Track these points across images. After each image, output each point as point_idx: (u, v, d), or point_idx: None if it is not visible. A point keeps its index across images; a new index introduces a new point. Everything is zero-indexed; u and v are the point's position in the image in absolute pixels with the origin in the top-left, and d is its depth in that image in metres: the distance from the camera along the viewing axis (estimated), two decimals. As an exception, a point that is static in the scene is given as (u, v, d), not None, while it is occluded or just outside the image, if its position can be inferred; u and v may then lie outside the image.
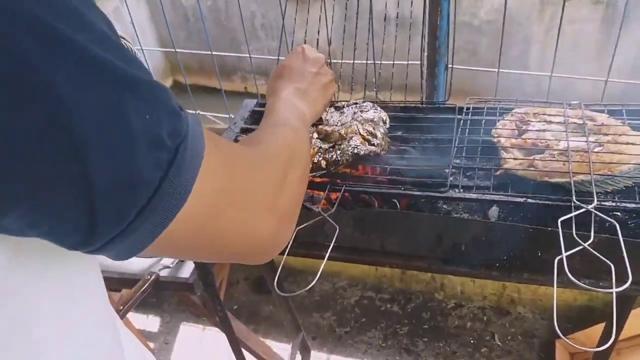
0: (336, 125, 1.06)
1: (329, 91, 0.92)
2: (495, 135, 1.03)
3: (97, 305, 0.54)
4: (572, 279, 0.70)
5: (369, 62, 1.28)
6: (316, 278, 0.82)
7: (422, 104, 1.24)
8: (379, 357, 2.06)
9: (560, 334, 0.69)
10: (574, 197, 0.83)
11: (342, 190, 0.99)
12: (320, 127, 1.06)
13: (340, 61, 1.33)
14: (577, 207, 0.82)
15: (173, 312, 2.33)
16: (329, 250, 0.88)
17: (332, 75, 0.92)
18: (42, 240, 0.37)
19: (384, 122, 1.09)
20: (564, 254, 0.74)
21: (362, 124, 1.04)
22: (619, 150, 0.91)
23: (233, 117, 1.30)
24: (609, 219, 0.79)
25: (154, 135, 0.37)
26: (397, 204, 1.05)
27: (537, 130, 1.02)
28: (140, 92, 0.37)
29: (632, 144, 0.92)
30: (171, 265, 1.39)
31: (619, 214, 0.89)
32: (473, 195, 0.93)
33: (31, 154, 0.32)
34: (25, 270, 0.41)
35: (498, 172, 0.97)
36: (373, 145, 1.01)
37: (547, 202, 0.87)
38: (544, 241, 0.89)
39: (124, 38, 1.28)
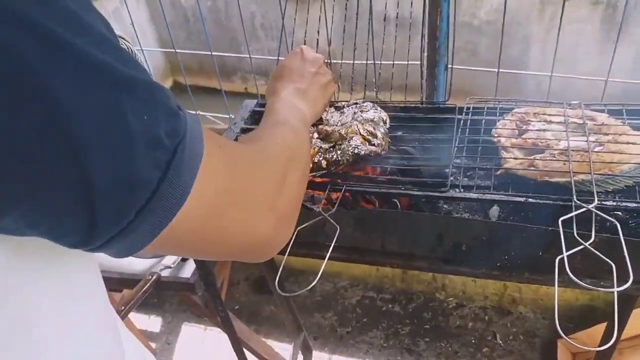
0: (336, 125, 1.06)
1: (329, 91, 0.92)
2: (496, 135, 1.03)
3: (97, 305, 0.54)
4: (573, 278, 0.70)
5: (368, 62, 1.29)
6: (317, 278, 0.82)
7: (422, 104, 1.24)
8: (381, 357, 2.06)
9: (562, 334, 0.69)
10: (574, 197, 0.83)
11: (342, 190, 0.99)
12: (320, 127, 1.06)
13: (340, 61, 1.33)
14: (578, 207, 0.82)
15: (174, 312, 2.33)
16: (329, 250, 0.88)
17: (331, 75, 0.93)
18: (42, 240, 0.37)
19: (384, 122, 1.09)
20: (565, 254, 0.74)
21: (363, 124, 1.04)
22: (619, 149, 0.91)
23: (233, 117, 1.30)
24: (609, 218, 0.79)
25: (152, 135, 0.37)
26: (398, 203, 1.05)
27: (537, 130, 1.02)
28: (138, 93, 0.37)
29: (632, 143, 0.92)
30: (172, 266, 1.39)
31: (619, 213, 0.89)
32: (473, 195, 0.93)
33: (30, 156, 0.32)
34: (25, 270, 0.41)
35: (498, 172, 0.97)
36: (373, 145, 1.01)
37: (547, 201, 0.87)
38: (544, 241, 0.89)
39: (123, 39, 1.28)
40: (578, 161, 0.90)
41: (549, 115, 1.05)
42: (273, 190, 0.53)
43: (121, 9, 3.41)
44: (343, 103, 1.16)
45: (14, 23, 0.30)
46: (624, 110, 1.03)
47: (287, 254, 0.89)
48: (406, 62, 1.27)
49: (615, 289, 0.70)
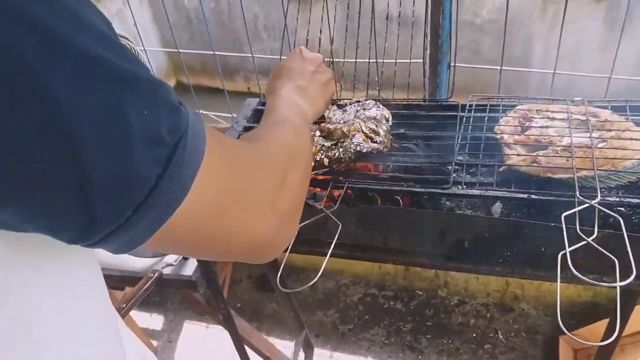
0: (339, 123, 1.07)
1: (329, 89, 0.92)
2: (498, 132, 1.03)
3: (97, 304, 0.54)
4: (576, 273, 0.70)
5: (371, 60, 1.29)
6: (319, 274, 0.82)
7: (424, 101, 1.24)
8: (382, 354, 2.06)
9: (564, 329, 0.69)
10: (577, 193, 0.83)
11: (344, 188, 0.99)
12: (322, 125, 1.06)
13: (342, 60, 1.33)
14: (581, 203, 0.81)
15: (176, 310, 2.33)
16: (331, 247, 0.89)
17: (331, 73, 0.92)
18: (41, 237, 0.37)
19: (387, 120, 1.09)
20: (568, 249, 0.74)
21: (365, 121, 1.05)
22: (622, 145, 0.91)
23: (236, 116, 1.30)
24: (612, 214, 0.79)
25: (153, 132, 0.37)
26: (400, 200, 1.06)
27: (540, 127, 1.02)
28: (140, 90, 0.37)
29: (635, 139, 0.92)
30: (174, 263, 1.39)
31: (622, 209, 0.89)
32: (476, 192, 0.93)
33: (30, 153, 0.32)
34: (25, 268, 0.41)
35: (501, 169, 0.97)
36: (375, 142, 1.01)
37: (550, 197, 0.87)
38: (547, 237, 0.89)
39: (126, 38, 1.28)
40: (581, 157, 0.90)
41: (552, 112, 1.05)
42: (274, 190, 0.53)
43: (124, 10, 3.41)
44: (345, 101, 1.16)
45: (15, 21, 0.30)
46: (627, 107, 1.03)
47: (288, 251, 0.89)
48: (408, 61, 1.27)
49: (618, 284, 0.70)
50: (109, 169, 0.35)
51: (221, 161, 0.45)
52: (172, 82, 4.35)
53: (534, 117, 1.04)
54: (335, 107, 1.14)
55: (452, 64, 1.32)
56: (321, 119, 1.08)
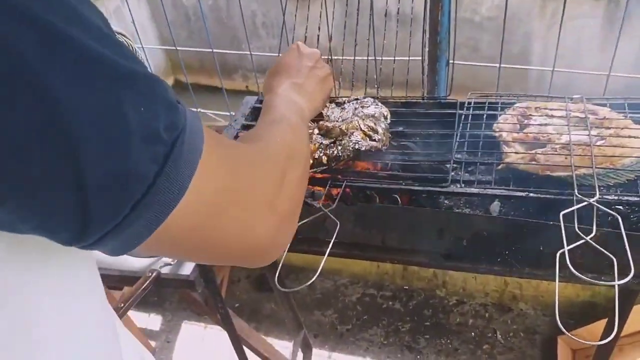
0: (337, 121, 1.06)
1: (327, 85, 0.90)
2: (497, 130, 1.03)
3: (95, 304, 0.53)
4: (575, 272, 0.70)
5: (369, 58, 1.28)
6: (317, 273, 0.82)
7: (423, 99, 1.24)
8: (381, 354, 2.06)
9: (563, 328, 0.69)
10: (575, 191, 0.83)
11: (343, 186, 0.99)
12: (321, 122, 1.06)
13: (341, 57, 1.32)
14: (579, 201, 0.81)
15: (174, 310, 2.33)
16: (329, 246, 0.88)
17: (329, 69, 0.90)
18: (38, 238, 0.37)
19: (385, 118, 1.09)
20: (566, 248, 0.74)
21: (363, 119, 1.04)
22: (621, 143, 0.91)
23: (234, 114, 1.30)
24: (611, 212, 0.79)
25: (150, 129, 0.37)
26: (398, 199, 1.05)
27: (538, 125, 1.01)
28: (137, 86, 0.36)
29: (634, 137, 0.92)
30: (172, 263, 1.38)
31: (621, 207, 0.89)
32: (474, 190, 0.93)
33: (29, 152, 0.31)
34: (25, 268, 0.41)
35: (500, 167, 0.96)
36: (374, 140, 1.01)
37: (548, 195, 0.87)
38: (545, 235, 0.89)
39: (124, 35, 1.27)
40: (580, 155, 0.90)
41: (551, 109, 1.04)
42: (272, 190, 0.52)
43: (122, 8, 3.40)
44: (344, 99, 1.16)
45: (15, 19, 0.30)
46: (626, 104, 1.03)
47: (286, 250, 0.88)
48: (407, 58, 1.26)
49: (616, 282, 0.70)
50: (107, 166, 0.34)
51: (219, 160, 0.44)
52: (170, 81, 4.35)
53: (533, 115, 1.04)
54: (333, 105, 1.14)
55: (451, 61, 1.32)
56: (320, 117, 1.07)
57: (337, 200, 0.96)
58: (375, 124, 1.03)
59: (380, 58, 1.28)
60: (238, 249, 0.49)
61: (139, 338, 1.47)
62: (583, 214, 0.80)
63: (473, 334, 2.07)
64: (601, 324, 1.69)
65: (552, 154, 0.93)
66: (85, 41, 0.33)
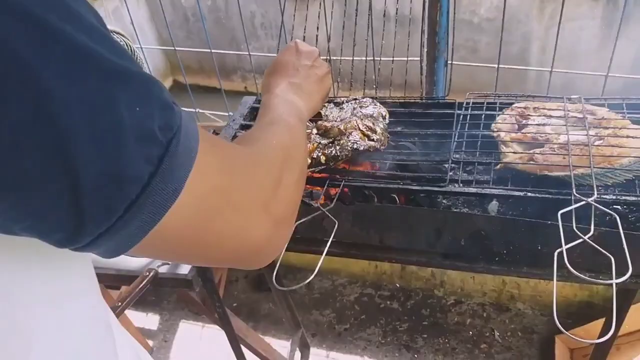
0: (335, 121, 1.06)
1: (325, 84, 0.88)
2: (495, 130, 1.03)
3: (89, 303, 0.53)
4: (573, 271, 0.70)
5: (368, 58, 1.28)
6: (315, 272, 0.82)
7: (421, 99, 1.24)
8: (379, 353, 2.06)
9: (561, 327, 0.69)
10: (574, 190, 0.83)
11: (341, 186, 0.99)
12: (319, 122, 1.06)
13: (339, 58, 1.32)
14: (577, 200, 0.81)
15: (172, 309, 2.33)
16: (327, 245, 0.88)
17: (327, 67, 0.89)
18: (32, 239, 0.36)
19: (384, 118, 1.09)
20: (564, 247, 0.74)
21: (362, 119, 1.04)
22: (619, 143, 0.91)
23: (232, 114, 1.30)
24: (609, 211, 0.79)
25: (144, 129, 0.36)
26: (397, 198, 1.05)
27: (537, 125, 1.01)
28: (131, 85, 0.36)
29: (632, 137, 0.92)
30: (170, 262, 1.38)
31: (619, 207, 0.89)
32: (472, 190, 0.93)
33: (19, 148, 0.31)
34: (16, 267, 0.41)
35: (498, 167, 0.97)
36: (372, 140, 1.01)
37: (547, 195, 0.87)
38: (544, 235, 0.89)
39: (123, 35, 1.27)
40: (578, 155, 0.90)
41: (549, 109, 1.05)
42: (269, 193, 0.52)
43: (121, 8, 3.40)
44: (342, 99, 1.16)
45: (7, 14, 0.30)
46: (624, 105, 1.03)
47: (284, 249, 0.88)
48: (406, 59, 1.27)
49: (614, 281, 0.70)
50: (99, 165, 0.34)
51: (214, 162, 0.44)
52: (169, 82, 4.35)
53: (531, 115, 1.04)
54: (332, 105, 1.14)
55: (450, 61, 1.32)
56: (318, 117, 1.07)
57: (335, 200, 0.96)
58: (373, 124, 1.04)
59: (379, 59, 1.28)
60: (232, 251, 0.48)
61: (137, 337, 1.46)
62: (581, 214, 0.80)
63: (471, 333, 2.07)
64: (599, 323, 1.69)
65: (551, 153, 0.93)
66: (80, 39, 0.33)
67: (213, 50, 1.76)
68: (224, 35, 3.99)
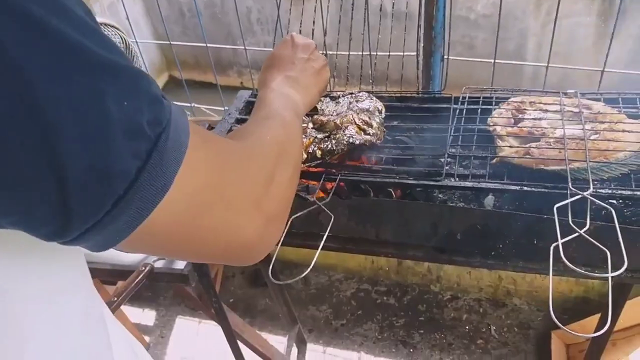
0: (332, 115, 1.06)
1: (323, 77, 0.87)
2: (491, 124, 1.03)
3: (82, 297, 0.53)
4: (568, 264, 0.70)
5: (364, 53, 1.28)
6: (311, 265, 0.82)
7: (418, 94, 1.24)
8: (375, 349, 2.06)
9: (557, 321, 0.69)
10: (570, 184, 0.83)
11: (337, 180, 0.98)
12: (315, 116, 1.06)
13: (335, 52, 1.32)
14: (573, 194, 0.81)
15: (169, 305, 2.32)
16: (323, 239, 0.88)
17: (324, 60, 0.88)
18: (21, 232, 0.36)
19: (380, 112, 1.08)
20: (560, 241, 0.74)
21: (358, 113, 1.04)
22: (614, 137, 0.91)
23: (228, 108, 1.29)
24: (605, 205, 0.79)
25: (133, 123, 0.36)
26: (393, 193, 1.05)
27: (533, 119, 1.01)
28: (120, 79, 0.35)
29: (627, 131, 0.92)
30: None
31: (614, 201, 0.89)
32: (469, 184, 0.93)
33: (2, 141, 0.31)
34: (7, 261, 0.40)
35: (494, 161, 0.97)
36: (368, 134, 1.01)
37: (543, 189, 0.87)
38: (540, 229, 0.89)
39: (118, 29, 1.26)
40: (574, 149, 0.90)
41: (545, 104, 1.05)
42: (261, 189, 0.51)
43: (117, 3, 3.38)
44: (339, 93, 1.16)
45: None
46: (620, 99, 1.03)
47: (280, 243, 0.88)
48: (402, 53, 1.26)
49: (610, 274, 0.70)
50: (86, 159, 0.33)
51: (205, 157, 0.43)
52: (165, 77, 4.33)
53: (527, 109, 1.04)
54: (328, 99, 1.14)
55: (446, 56, 1.32)
56: (314, 111, 1.07)
57: (331, 194, 0.95)
58: (369, 118, 1.03)
59: (375, 53, 1.28)
60: (223, 247, 0.48)
61: (133, 333, 1.46)
62: (577, 208, 0.80)
63: (467, 328, 2.07)
64: (595, 318, 1.70)
65: (547, 148, 0.93)
66: (66, 32, 0.32)
67: (209, 45, 1.76)
68: (220, 31, 3.98)
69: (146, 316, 2.29)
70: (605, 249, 0.73)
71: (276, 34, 1.34)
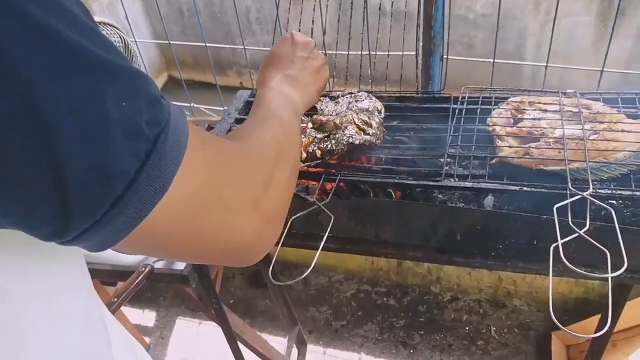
0: (331, 115, 1.06)
1: (322, 75, 0.87)
2: (491, 124, 1.03)
3: (81, 298, 0.52)
4: (568, 265, 0.69)
5: (364, 52, 1.28)
6: (311, 266, 0.82)
7: (417, 94, 1.24)
8: (375, 350, 2.06)
9: (557, 322, 0.69)
10: (569, 185, 0.83)
11: (337, 180, 0.98)
12: (315, 116, 1.06)
13: (334, 52, 1.32)
14: (573, 194, 0.81)
15: (169, 306, 2.32)
16: (323, 240, 0.88)
17: (323, 58, 0.88)
18: (20, 232, 0.36)
19: (379, 112, 1.08)
20: (560, 241, 0.74)
21: (357, 113, 1.04)
22: (614, 137, 0.91)
23: (227, 108, 1.29)
24: (605, 205, 0.79)
25: (131, 123, 0.36)
26: (392, 193, 1.05)
27: (532, 119, 1.01)
28: (118, 80, 0.35)
29: (627, 131, 0.92)
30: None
31: (614, 201, 0.89)
32: (468, 184, 0.92)
33: (1, 141, 0.31)
34: (6, 261, 0.40)
35: (493, 161, 0.96)
36: (368, 134, 1.00)
37: (542, 189, 0.87)
38: (539, 229, 0.89)
39: (117, 28, 1.26)
40: (573, 149, 0.90)
41: (544, 104, 1.04)
42: (259, 189, 0.51)
43: (116, 3, 3.37)
44: (338, 93, 1.15)
45: None
46: (619, 99, 1.03)
47: (280, 244, 0.88)
48: (401, 53, 1.26)
49: (610, 275, 0.70)
50: (83, 157, 0.33)
51: (204, 158, 0.43)
52: (164, 77, 4.33)
53: (527, 109, 1.04)
54: (327, 99, 1.14)
55: (445, 56, 1.32)
56: (313, 111, 1.07)
57: (330, 194, 0.95)
58: (369, 118, 1.03)
59: (374, 53, 1.28)
60: (221, 248, 0.48)
61: (133, 334, 1.46)
62: (577, 208, 0.80)
63: (467, 329, 2.07)
64: (595, 319, 1.69)
65: (546, 148, 0.93)
66: (65, 32, 0.32)
67: (208, 44, 1.76)
68: (219, 31, 3.98)
69: (146, 317, 2.29)
70: (605, 250, 0.73)
71: (275, 34, 1.34)
